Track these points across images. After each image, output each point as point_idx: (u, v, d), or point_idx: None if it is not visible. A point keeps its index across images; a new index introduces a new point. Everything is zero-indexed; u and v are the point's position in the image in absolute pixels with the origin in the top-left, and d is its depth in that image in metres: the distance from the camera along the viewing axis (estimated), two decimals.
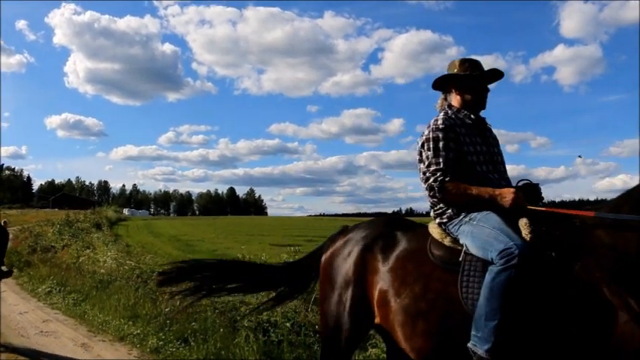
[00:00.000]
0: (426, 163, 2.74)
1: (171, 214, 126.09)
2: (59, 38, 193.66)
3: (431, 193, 2.72)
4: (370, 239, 2.92)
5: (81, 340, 6.01)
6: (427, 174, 2.72)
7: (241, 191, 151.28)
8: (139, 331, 6.00)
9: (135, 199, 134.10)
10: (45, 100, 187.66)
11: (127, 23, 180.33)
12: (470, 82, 2.85)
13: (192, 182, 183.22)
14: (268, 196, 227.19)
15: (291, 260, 4.43)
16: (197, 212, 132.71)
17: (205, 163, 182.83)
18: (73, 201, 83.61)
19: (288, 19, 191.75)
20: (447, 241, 2.72)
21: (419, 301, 2.58)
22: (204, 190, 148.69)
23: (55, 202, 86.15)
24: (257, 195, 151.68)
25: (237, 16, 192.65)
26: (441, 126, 2.74)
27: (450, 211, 2.73)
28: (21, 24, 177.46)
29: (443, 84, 2.95)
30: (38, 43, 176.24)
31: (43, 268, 11.30)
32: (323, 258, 3.14)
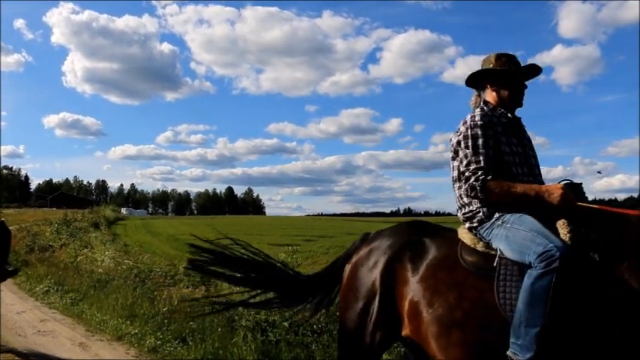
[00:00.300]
0: (465, 162, 2.60)
1: (170, 214, 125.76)
2: (57, 37, 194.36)
3: (472, 194, 2.56)
4: (397, 248, 2.76)
5: (79, 339, 5.99)
6: (467, 173, 2.57)
7: (239, 191, 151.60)
8: (136, 331, 5.99)
9: (133, 198, 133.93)
10: (43, 99, 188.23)
11: (125, 22, 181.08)
12: (507, 77, 2.72)
13: (191, 182, 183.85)
14: (266, 195, 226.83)
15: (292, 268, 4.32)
16: (195, 212, 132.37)
17: (204, 163, 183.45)
18: (70, 200, 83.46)
19: (286, 18, 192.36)
20: (479, 247, 2.59)
21: (453, 311, 2.45)
22: (203, 190, 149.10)
23: (52, 201, 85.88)
24: (255, 194, 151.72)
25: (235, 16, 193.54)
26: (479, 122, 2.60)
27: (480, 214, 2.61)
28: (19, 23, 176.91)
29: (476, 81, 2.83)
30: (36, 42, 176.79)
31: (40, 268, 11.27)
32: (347, 267, 2.98)
